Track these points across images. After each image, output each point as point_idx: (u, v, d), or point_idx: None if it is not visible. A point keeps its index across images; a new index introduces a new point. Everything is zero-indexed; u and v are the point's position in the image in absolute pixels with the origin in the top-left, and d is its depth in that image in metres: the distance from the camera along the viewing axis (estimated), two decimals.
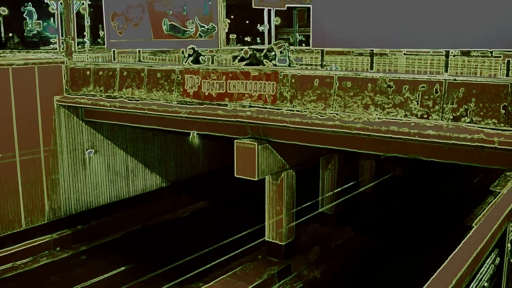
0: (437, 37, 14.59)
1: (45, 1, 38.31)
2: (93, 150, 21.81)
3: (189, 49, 19.06)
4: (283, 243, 18.61)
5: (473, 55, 20.16)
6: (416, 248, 19.60)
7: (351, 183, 21.67)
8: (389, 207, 24.21)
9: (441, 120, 13.20)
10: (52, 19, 48.65)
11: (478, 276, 3.38)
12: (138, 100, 19.06)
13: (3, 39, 50.33)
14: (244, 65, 17.47)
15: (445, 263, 2.86)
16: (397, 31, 15.22)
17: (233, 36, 46.89)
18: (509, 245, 3.93)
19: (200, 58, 19.02)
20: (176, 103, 18.17)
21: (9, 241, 19.42)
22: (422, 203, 24.83)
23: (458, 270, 2.80)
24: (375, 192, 25.02)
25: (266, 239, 18.72)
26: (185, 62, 19.03)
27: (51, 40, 47.27)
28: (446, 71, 14.74)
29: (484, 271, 3.49)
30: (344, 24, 16.25)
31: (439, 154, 14.19)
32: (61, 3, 28.57)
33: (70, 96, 20.80)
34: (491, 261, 3.61)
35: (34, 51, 32.13)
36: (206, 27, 20.37)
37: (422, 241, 20.17)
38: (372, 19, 15.64)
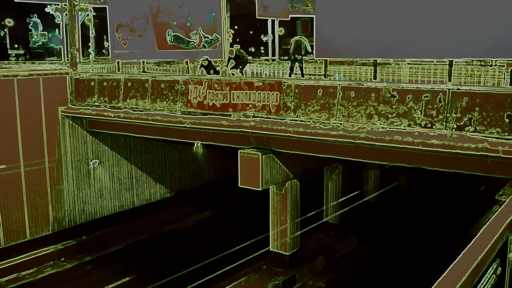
0: (441, 46, 14.63)
1: (51, 12, 38.49)
2: (98, 161, 21.86)
3: (203, 60, 19.15)
4: (287, 253, 18.57)
5: (477, 64, 20.15)
6: (422, 258, 19.52)
7: (355, 193, 21.61)
8: (394, 216, 24.14)
9: (445, 129, 13.20)
10: (57, 30, 48.84)
11: (479, 286, 3.37)
12: (142, 111, 19.12)
13: (8, 50, 50.52)
14: (232, 66, 17.79)
15: (444, 274, 2.85)
16: (400, 40, 15.27)
17: (237, 47, 46.94)
18: (511, 255, 3.91)
19: (217, 69, 19.24)
20: (180, 113, 18.21)
21: (14, 252, 19.43)
22: (427, 213, 24.74)
23: (457, 281, 2.80)
24: (380, 201, 24.95)
25: (271, 249, 18.67)
26: (199, 71, 19.17)
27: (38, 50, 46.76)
28: (450, 80, 14.75)
29: (486, 281, 3.48)
30: (348, 34, 16.30)
31: (443, 163, 14.17)
32: (66, 15, 28.72)
33: (74, 106, 20.89)
34: (492, 271, 3.60)
35: (39, 62, 32.28)
36: (210, 38, 20.48)
37: (428, 250, 20.08)
38: (375, 29, 15.69)
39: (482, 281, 3.44)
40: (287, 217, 18.21)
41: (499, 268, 3.76)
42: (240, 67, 18.80)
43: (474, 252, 3.16)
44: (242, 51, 19.93)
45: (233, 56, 18.36)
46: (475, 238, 3.31)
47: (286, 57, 26.53)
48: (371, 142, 14.19)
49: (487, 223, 3.58)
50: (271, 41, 32.34)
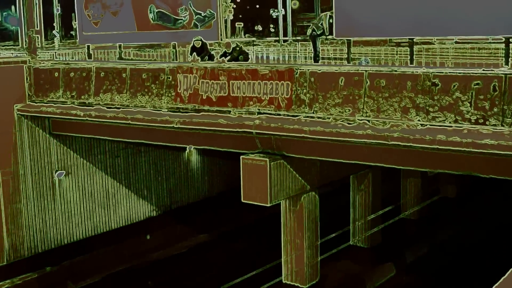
0: (494, 20, 14.55)
1: None
2: (64, 172, 21.90)
3: (195, 41, 19.11)
4: (305, 286, 18.57)
5: None
6: None
7: (390, 208, 21.58)
8: (439, 237, 24.04)
9: (502, 125, 13.13)
10: (13, 7, 49.14)
11: None
12: (119, 108, 19.17)
13: None
14: (227, 60, 17.68)
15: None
16: (440, 14, 15.18)
17: (239, 25, 47.08)
18: None
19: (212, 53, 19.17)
20: (166, 110, 18.25)
21: None
22: (481, 232, 24.62)
23: None
24: (421, 218, 24.87)
25: (283, 281, 18.67)
26: (191, 58, 19.12)
27: None
28: (507, 63, 14.67)
29: None
30: (376, 7, 16.26)
31: (500, 169, 14.11)
32: None
33: (34, 104, 20.96)
34: None
35: None
36: (202, 15, 20.49)
37: (483, 280, 19.96)
38: (409, 1, 15.64)
39: None
40: (303, 240, 18.20)
41: None
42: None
43: None
44: (239, 45, 19.84)
45: (229, 51, 18.30)
46: None
47: (300, 37, 26.54)
48: (407, 143, 14.15)
49: None
50: (282, 17, 32.37)
